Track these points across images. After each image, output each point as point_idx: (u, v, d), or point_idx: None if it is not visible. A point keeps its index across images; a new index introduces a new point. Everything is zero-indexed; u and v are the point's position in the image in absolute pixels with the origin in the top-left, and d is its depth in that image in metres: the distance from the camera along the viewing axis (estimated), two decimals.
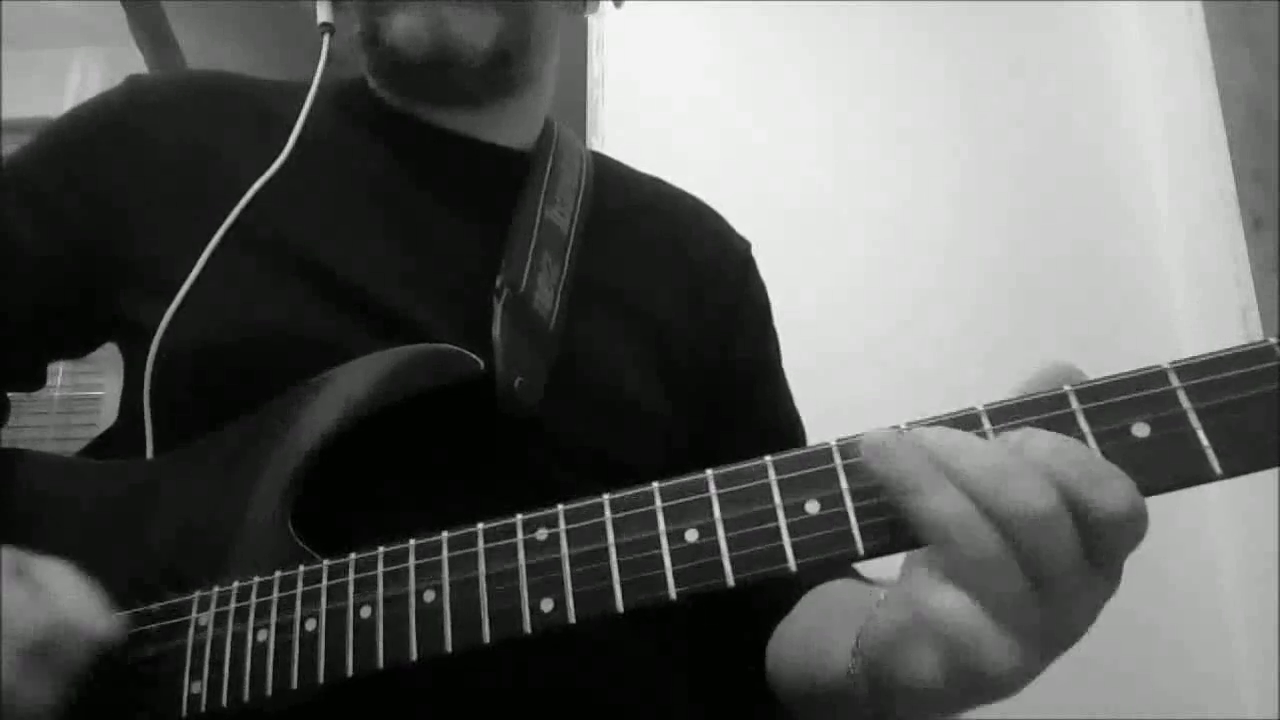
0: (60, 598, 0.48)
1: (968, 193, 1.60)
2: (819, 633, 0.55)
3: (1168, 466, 0.37)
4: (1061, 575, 0.36)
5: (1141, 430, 0.38)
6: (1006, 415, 0.40)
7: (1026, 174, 1.60)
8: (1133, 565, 0.38)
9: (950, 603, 0.37)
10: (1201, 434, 0.37)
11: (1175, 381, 0.38)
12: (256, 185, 0.61)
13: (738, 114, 1.67)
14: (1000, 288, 1.55)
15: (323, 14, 0.66)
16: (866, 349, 1.52)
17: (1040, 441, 0.37)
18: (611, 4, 0.77)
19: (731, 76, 1.69)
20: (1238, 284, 1.34)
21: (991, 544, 0.36)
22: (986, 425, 0.40)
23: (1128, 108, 1.61)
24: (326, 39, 0.66)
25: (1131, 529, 0.36)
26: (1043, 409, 0.39)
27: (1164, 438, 0.38)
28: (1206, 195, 1.41)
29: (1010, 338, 1.51)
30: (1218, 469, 0.37)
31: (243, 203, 0.60)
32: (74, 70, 2.35)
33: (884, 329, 1.53)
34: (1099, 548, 0.36)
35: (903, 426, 0.40)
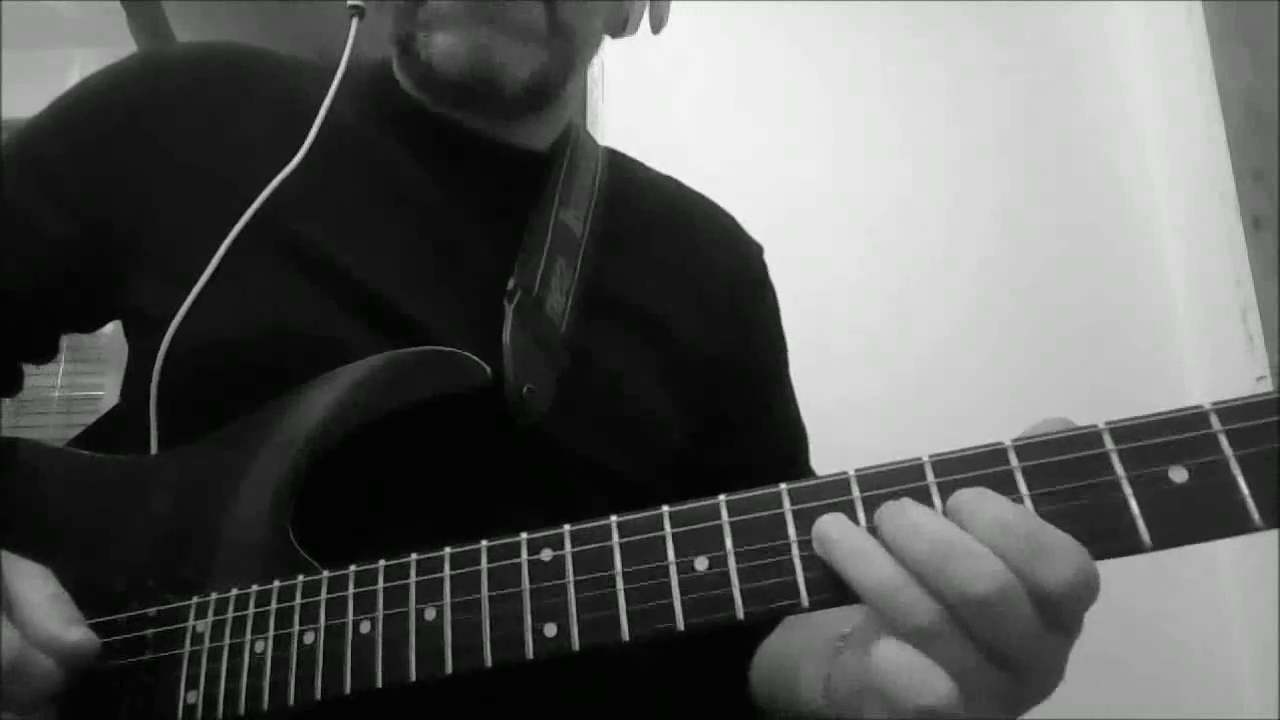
0: (31, 613, 0.47)
1: (967, 193, 1.59)
2: (790, 661, 0.55)
3: (1206, 515, 0.36)
4: (1016, 647, 0.36)
5: (1179, 475, 0.36)
6: (1036, 452, 0.38)
7: (1026, 174, 1.60)
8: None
9: (892, 656, 0.36)
10: (1242, 482, 0.35)
11: (1216, 424, 0.36)
12: (274, 183, 0.59)
13: (737, 113, 1.67)
14: (1000, 288, 1.54)
15: None
16: (866, 349, 1.52)
17: (987, 512, 0.36)
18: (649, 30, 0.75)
19: (731, 76, 1.69)
20: (1238, 284, 1.34)
21: (927, 614, 0.36)
22: (1014, 462, 0.38)
23: (1128, 108, 1.61)
24: (355, 23, 0.63)
25: (1086, 596, 0.36)
26: (1075, 448, 0.38)
27: (1203, 485, 0.36)
28: (1206, 195, 1.41)
29: (1010, 338, 1.51)
30: (1258, 520, 0.35)
31: (259, 200, 0.59)
32: (74, 70, 2.35)
33: (884, 329, 1.53)
34: (1055, 616, 0.36)
35: (925, 458, 0.40)
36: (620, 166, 0.77)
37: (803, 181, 1.61)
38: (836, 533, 0.39)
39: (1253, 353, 1.31)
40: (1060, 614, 0.36)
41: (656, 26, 0.76)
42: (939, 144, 1.62)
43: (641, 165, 0.81)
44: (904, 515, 0.37)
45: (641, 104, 1.66)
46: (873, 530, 0.38)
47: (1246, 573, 1.33)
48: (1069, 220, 1.57)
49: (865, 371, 1.49)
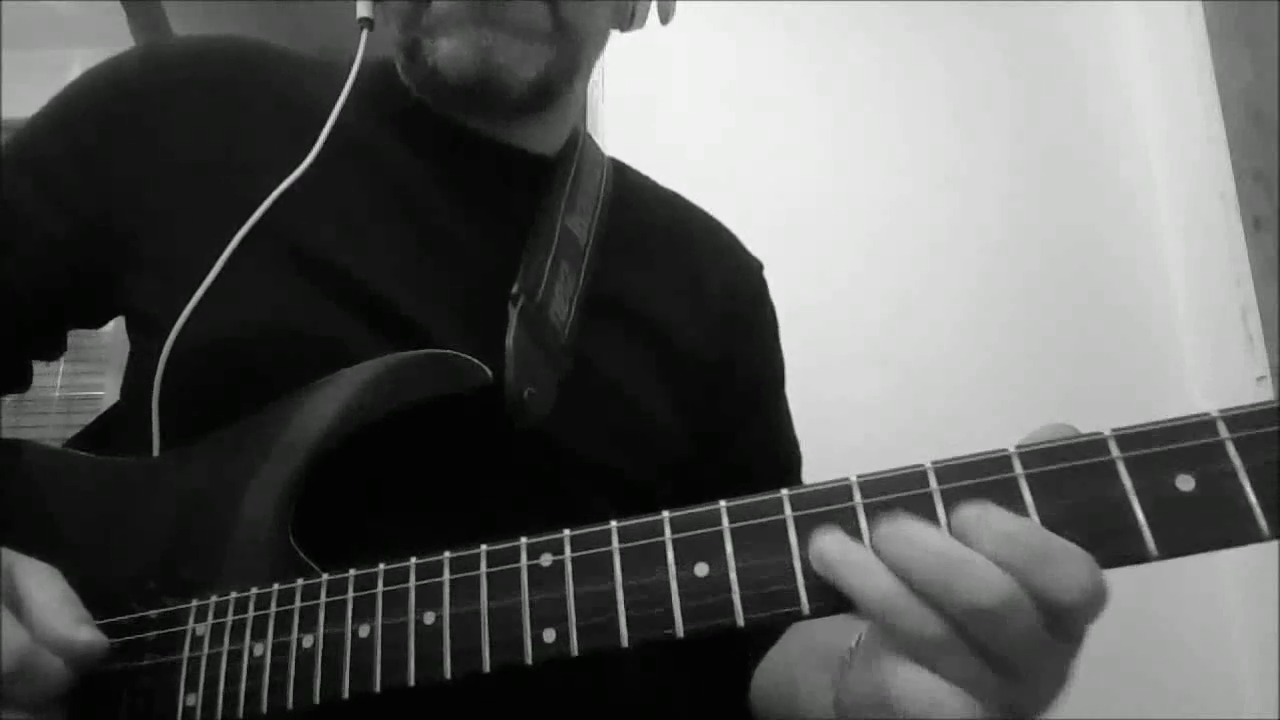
0: (40, 613, 0.47)
1: (967, 193, 1.59)
2: (790, 674, 0.55)
3: (1213, 524, 0.35)
4: (1022, 658, 0.36)
5: (1186, 484, 0.36)
6: (1041, 459, 0.38)
7: (1026, 174, 1.60)
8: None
9: (907, 679, 0.36)
10: (1250, 492, 0.35)
11: (1224, 432, 0.36)
12: (280, 188, 0.59)
13: (737, 114, 1.67)
14: (1000, 288, 1.55)
15: (363, 9, 0.64)
16: (866, 349, 1.52)
17: (992, 526, 0.36)
18: (658, 21, 0.75)
19: (731, 77, 1.69)
20: (1238, 284, 1.34)
21: (930, 627, 0.36)
22: (1018, 468, 0.38)
23: (1127, 108, 1.61)
24: (365, 35, 0.63)
25: (1095, 605, 0.35)
26: (1081, 455, 0.37)
27: (1210, 494, 0.35)
28: (1206, 195, 1.41)
29: (1010, 339, 1.52)
30: (1265, 530, 0.34)
31: (266, 204, 0.59)
32: (74, 70, 2.34)
33: (883, 328, 1.53)
34: (1061, 626, 0.36)
35: (928, 465, 0.39)
36: (625, 177, 0.78)
37: (803, 182, 1.61)
38: (837, 552, 0.38)
39: (1253, 353, 1.31)
40: (1068, 623, 0.36)
41: (665, 18, 0.75)
42: (939, 144, 1.62)
43: (645, 177, 0.81)
44: (902, 532, 0.37)
45: (641, 104, 1.66)
46: (874, 549, 0.38)
47: (1247, 573, 1.34)
48: (1069, 220, 1.57)
49: (865, 371, 1.49)
